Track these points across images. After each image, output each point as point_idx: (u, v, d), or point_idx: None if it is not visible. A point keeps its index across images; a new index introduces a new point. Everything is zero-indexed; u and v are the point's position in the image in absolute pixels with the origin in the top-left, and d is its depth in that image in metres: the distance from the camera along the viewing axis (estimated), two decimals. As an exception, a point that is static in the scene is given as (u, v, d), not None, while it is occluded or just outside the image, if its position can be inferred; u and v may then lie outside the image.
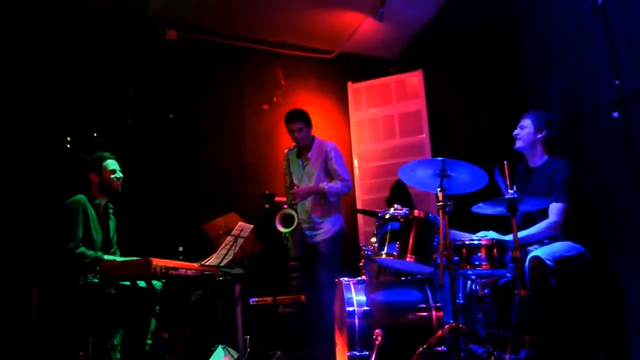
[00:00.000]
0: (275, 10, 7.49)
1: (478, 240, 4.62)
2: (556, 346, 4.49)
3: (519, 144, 5.32)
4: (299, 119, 6.54)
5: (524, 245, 4.81)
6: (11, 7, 6.53)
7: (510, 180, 4.57)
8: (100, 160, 5.50)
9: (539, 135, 5.25)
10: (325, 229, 6.51)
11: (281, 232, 6.30)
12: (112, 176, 5.50)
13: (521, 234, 4.87)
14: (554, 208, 4.92)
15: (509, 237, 4.90)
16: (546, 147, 5.27)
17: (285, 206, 6.38)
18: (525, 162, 5.43)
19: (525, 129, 5.29)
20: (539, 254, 4.65)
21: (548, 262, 4.61)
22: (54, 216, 5.47)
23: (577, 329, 4.67)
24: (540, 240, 4.96)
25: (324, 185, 6.42)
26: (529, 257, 4.66)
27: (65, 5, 6.82)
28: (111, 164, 5.53)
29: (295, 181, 6.56)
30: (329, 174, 6.58)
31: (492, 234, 5.02)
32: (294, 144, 6.58)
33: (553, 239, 4.94)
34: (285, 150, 6.79)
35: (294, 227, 6.12)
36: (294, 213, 6.13)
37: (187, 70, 7.58)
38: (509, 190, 4.44)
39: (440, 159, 4.45)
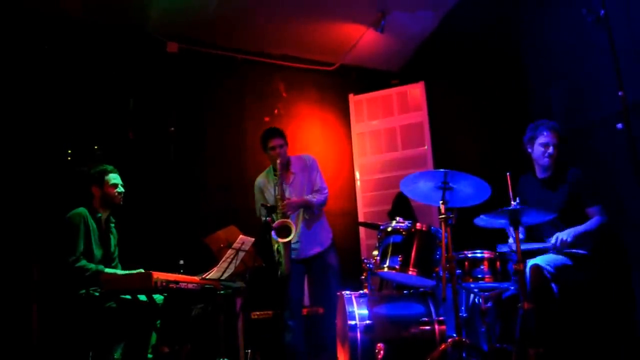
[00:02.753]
0: (276, 23, 7.49)
1: (481, 252, 4.61)
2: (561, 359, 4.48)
3: (551, 162, 5.27)
4: (281, 135, 6.44)
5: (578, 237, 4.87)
6: (12, 21, 6.54)
7: (513, 192, 4.54)
8: (103, 174, 5.48)
9: (559, 149, 5.24)
10: (323, 239, 6.46)
11: (275, 246, 6.24)
12: (114, 190, 5.48)
13: (578, 228, 4.90)
14: (598, 209, 4.98)
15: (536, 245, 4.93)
16: (559, 157, 5.26)
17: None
18: (532, 174, 5.41)
19: (554, 146, 5.22)
20: (538, 262, 4.65)
21: (548, 267, 4.62)
22: (54, 230, 5.44)
23: (581, 342, 4.65)
24: (592, 235, 4.95)
25: (311, 197, 6.37)
26: (529, 265, 4.65)
27: (66, 19, 6.83)
28: (113, 177, 5.50)
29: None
30: (311, 187, 6.52)
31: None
32: (274, 162, 6.38)
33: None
34: (256, 182, 6.61)
35: (290, 238, 6.04)
36: (292, 225, 6.06)
37: (188, 83, 7.58)
38: (512, 202, 4.40)
39: (442, 170, 4.43)
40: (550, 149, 5.20)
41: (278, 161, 6.26)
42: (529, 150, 5.36)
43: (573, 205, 5.04)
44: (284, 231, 6.02)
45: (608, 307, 4.92)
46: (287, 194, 6.32)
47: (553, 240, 4.87)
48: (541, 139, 5.23)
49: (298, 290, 6.33)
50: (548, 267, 4.64)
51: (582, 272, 4.83)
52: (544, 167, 5.30)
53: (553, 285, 4.64)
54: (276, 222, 6.00)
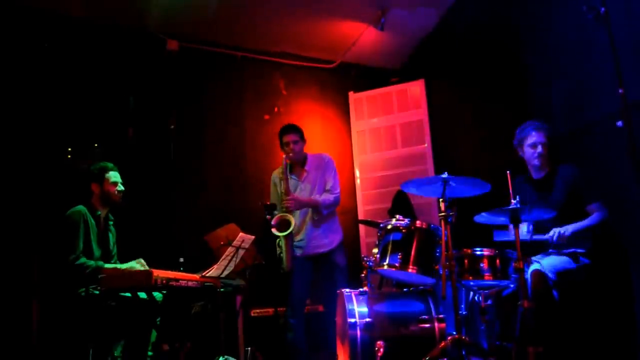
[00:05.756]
0: (276, 21, 7.49)
1: (480, 250, 4.60)
2: (560, 358, 4.47)
3: (541, 162, 5.28)
4: (296, 131, 6.45)
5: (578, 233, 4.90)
6: (13, 19, 6.55)
7: (513, 190, 4.54)
8: (103, 171, 5.49)
9: (549, 148, 5.24)
10: (332, 239, 6.45)
11: (275, 243, 6.23)
12: (114, 189, 5.49)
13: (578, 224, 4.94)
14: (598, 205, 5.01)
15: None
16: (551, 156, 5.26)
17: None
18: (527, 175, 5.41)
19: (543, 145, 5.24)
20: (540, 268, 4.64)
21: (550, 274, 4.61)
22: (54, 228, 5.45)
23: (580, 341, 4.65)
24: (593, 230, 4.98)
25: (318, 197, 6.36)
26: (530, 270, 4.65)
27: (66, 17, 6.83)
28: (114, 175, 5.52)
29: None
30: (323, 186, 6.51)
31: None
32: (288, 158, 6.39)
33: (558, 249, 4.92)
34: (272, 175, 6.60)
35: (288, 232, 6.03)
36: (291, 219, 6.06)
37: (188, 81, 7.59)
38: (512, 200, 4.40)
39: (442, 176, 4.42)
40: (539, 148, 5.22)
41: (284, 156, 6.27)
42: (521, 154, 5.38)
43: (571, 202, 5.04)
44: (284, 225, 6.02)
45: (608, 306, 4.93)
46: (298, 191, 6.34)
47: (551, 233, 4.88)
48: (529, 140, 5.26)
49: (301, 288, 6.31)
50: (550, 275, 4.64)
51: (584, 272, 4.84)
52: (537, 168, 5.32)
53: (554, 292, 4.65)
54: (275, 217, 6.00)
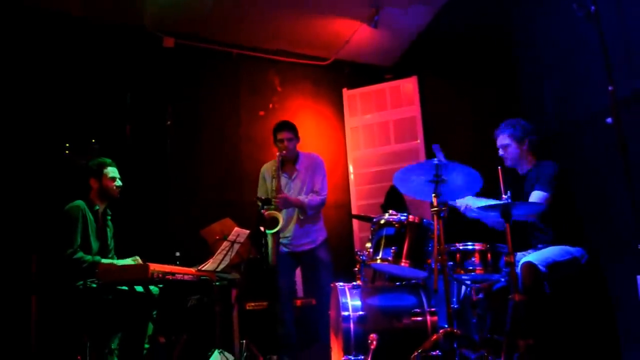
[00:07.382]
0: (271, 18, 7.53)
1: (472, 244, 4.65)
2: (550, 351, 4.52)
3: (509, 163, 5.33)
4: (290, 128, 6.49)
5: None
6: (11, 17, 6.59)
7: (505, 186, 4.59)
8: (101, 167, 5.52)
9: (524, 147, 5.26)
10: (318, 235, 6.51)
11: (264, 238, 6.27)
12: (113, 184, 5.53)
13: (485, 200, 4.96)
14: (536, 195, 4.96)
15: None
16: (534, 152, 5.30)
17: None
18: (515, 171, 5.46)
19: (508, 147, 5.30)
20: (531, 260, 4.68)
21: (541, 267, 4.63)
22: (53, 222, 5.49)
23: (570, 334, 4.70)
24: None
25: (305, 199, 6.41)
26: (521, 262, 4.68)
27: (64, 16, 6.87)
28: (112, 171, 5.55)
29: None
30: (312, 187, 6.56)
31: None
32: (280, 155, 6.39)
33: (547, 244, 4.97)
34: (262, 169, 6.71)
35: (276, 230, 6.10)
36: (279, 217, 6.12)
37: (184, 77, 7.62)
38: (503, 196, 4.45)
39: (433, 160, 4.45)
40: (500, 152, 5.34)
41: (278, 154, 6.32)
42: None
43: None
44: (272, 223, 6.09)
45: (598, 299, 4.98)
46: (287, 189, 6.39)
47: (459, 203, 5.11)
48: (497, 143, 5.35)
49: (287, 282, 6.40)
50: (541, 267, 4.67)
51: (575, 265, 4.88)
52: (519, 165, 5.36)
53: (545, 285, 4.69)
54: (266, 213, 6.06)
